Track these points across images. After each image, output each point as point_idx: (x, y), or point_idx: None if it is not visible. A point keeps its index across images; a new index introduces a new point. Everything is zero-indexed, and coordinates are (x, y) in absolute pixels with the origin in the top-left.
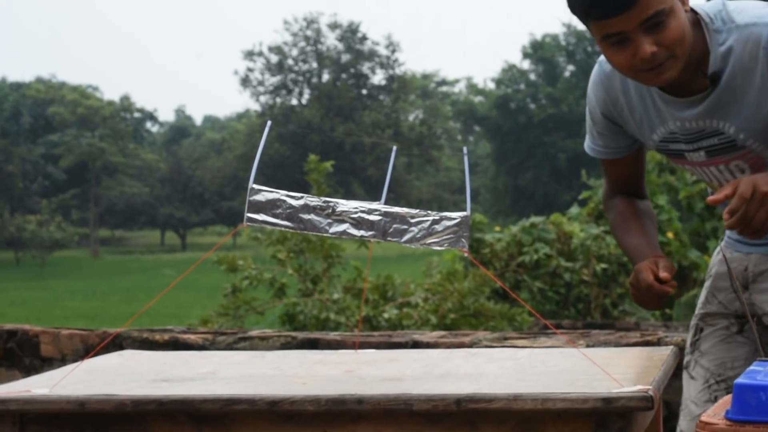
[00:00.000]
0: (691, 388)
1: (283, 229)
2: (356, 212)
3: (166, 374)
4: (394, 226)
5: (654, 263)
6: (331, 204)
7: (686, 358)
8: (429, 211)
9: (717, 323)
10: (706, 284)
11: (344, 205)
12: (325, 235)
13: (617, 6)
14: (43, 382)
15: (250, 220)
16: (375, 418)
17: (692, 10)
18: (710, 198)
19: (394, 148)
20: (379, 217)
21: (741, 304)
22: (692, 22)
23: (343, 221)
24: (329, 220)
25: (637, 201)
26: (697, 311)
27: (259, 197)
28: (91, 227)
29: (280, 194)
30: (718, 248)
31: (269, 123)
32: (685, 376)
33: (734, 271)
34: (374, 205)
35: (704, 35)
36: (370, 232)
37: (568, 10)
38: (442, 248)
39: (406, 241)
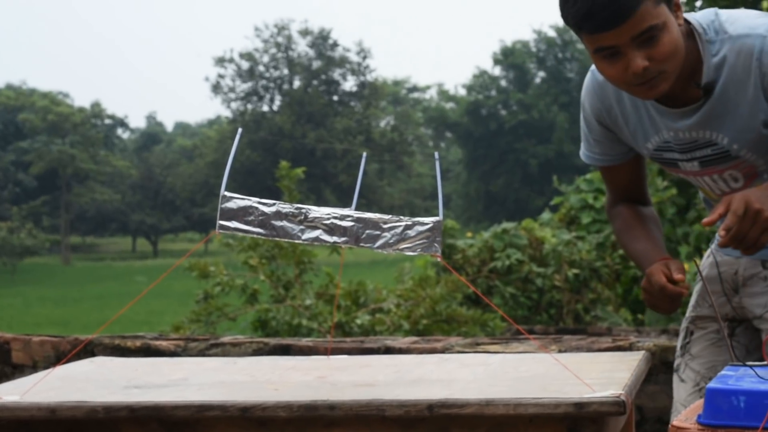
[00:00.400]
0: (681, 391)
1: (255, 236)
2: (329, 218)
3: (137, 381)
4: (367, 231)
5: (665, 265)
6: (303, 210)
7: (676, 361)
8: (401, 217)
9: (708, 326)
10: (696, 287)
11: (316, 211)
12: (297, 241)
13: (610, 20)
14: (13, 389)
15: (223, 227)
16: (347, 424)
17: (686, 21)
18: (705, 220)
19: (364, 154)
20: (352, 223)
21: (712, 307)
22: (685, 33)
23: (315, 228)
24: (301, 227)
25: (640, 208)
26: (687, 314)
27: (231, 204)
28: (62, 234)
29: (252, 201)
30: (709, 251)
31: (240, 130)
32: (675, 378)
33: (724, 275)
34: (346, 212)
35: (697, 46)
36: (343, 238)
37: (538, 17)
38: (415, 253)
39: (378, 247)
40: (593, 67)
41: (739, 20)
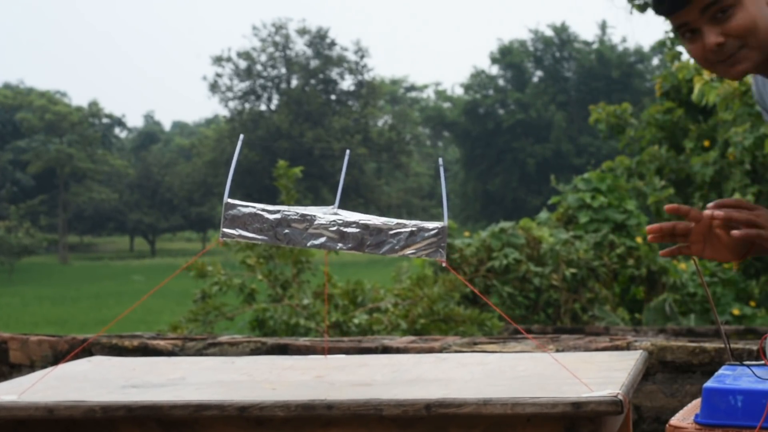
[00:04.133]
0: None
1: (259, 242)
2: (334, 226)
3: (135, 380)
4: (372, 238)
5: None
6: (308, 217)
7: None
8: (405, 221)
9: None
10: None
11: (321, 218)
12: (303, 248)
13: (676, 1)
14: (11, 389)
15: (226, 235)
16: (345, 424)
17: None
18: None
19: (347, 151)
20: (357, 230)
21: (716, 323)
22: None
23: (320, 235)
24: (306, 234)
25: None
26: None
27: (235, 212)
28: (60, 233)
29: (257, 208)
30: None
31: (241, 137)
32: None
33: None
34: (349, 218)
35: None
36: (349, 245)
37: (535, 16)
38: (420, 257)
39: (384, 253)
40: None
41: None
